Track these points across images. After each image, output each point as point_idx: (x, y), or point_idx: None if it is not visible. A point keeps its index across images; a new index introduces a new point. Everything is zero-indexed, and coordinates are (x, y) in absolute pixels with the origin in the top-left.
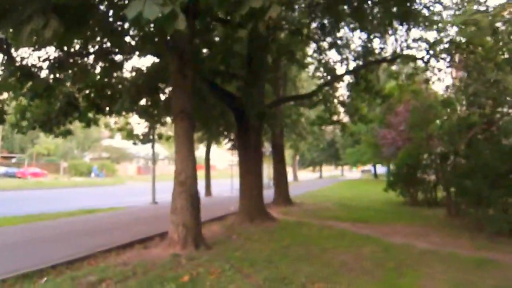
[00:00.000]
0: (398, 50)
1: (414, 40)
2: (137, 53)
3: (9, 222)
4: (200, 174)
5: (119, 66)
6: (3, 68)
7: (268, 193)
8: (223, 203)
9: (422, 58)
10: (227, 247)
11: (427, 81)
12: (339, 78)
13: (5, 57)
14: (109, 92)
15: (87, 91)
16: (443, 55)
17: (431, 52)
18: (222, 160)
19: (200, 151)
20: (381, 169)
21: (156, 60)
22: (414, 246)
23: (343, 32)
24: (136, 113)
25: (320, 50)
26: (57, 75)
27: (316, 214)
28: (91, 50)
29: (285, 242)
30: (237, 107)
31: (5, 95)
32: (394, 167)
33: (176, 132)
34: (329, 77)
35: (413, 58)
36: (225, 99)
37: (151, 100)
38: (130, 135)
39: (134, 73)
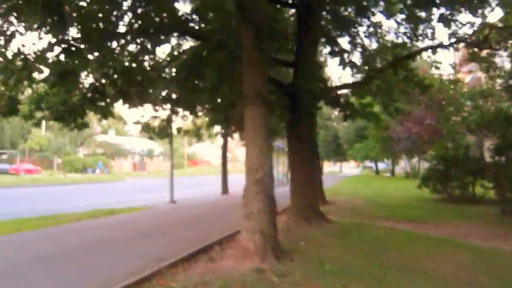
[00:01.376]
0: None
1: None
2: (175, 34)
3: (26, 226)
4: (195, 170)
5: (152, 49)
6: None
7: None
8: None
9: (475, 43)
10: (309, 258)
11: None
12: (388, 67)
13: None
14: (139, 78)
15: (115, 77)
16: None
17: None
18: (214, 156)
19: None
20: (381, 165)
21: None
22: (506, 250)
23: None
24: (169, 102)
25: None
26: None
27: (360, 213)
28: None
29: (363, 248)
30: (289, 91)
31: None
32: (429, 161)
33: (249, 120)
34: (366, 67)
35: (466, 42)
36: (275, 84)
37: (192, 88)
38: (146, 128)
39: (169, 58)
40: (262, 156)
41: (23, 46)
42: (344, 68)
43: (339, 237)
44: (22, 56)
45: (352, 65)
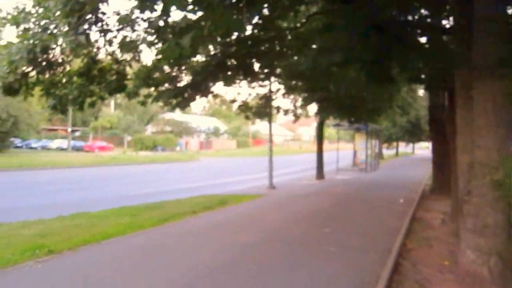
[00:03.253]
0: None
1: None
2: None
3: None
4: (262, 150)
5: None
6: None
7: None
8: (366, 191)
9: None
10: None
11: None
12: None
13: None
14: (263, 48)
15: (236, 47)
16: None
17: None
18: (277, 135)
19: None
20: None
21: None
22: None
23: None
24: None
25: None
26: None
27: None
28: None
29: None
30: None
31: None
32: None
33: (483, 100)
34: None
35: None
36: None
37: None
38: (245, 107)
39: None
40: (504, 149)
41: None
42: None
43: None
44: None
45: None
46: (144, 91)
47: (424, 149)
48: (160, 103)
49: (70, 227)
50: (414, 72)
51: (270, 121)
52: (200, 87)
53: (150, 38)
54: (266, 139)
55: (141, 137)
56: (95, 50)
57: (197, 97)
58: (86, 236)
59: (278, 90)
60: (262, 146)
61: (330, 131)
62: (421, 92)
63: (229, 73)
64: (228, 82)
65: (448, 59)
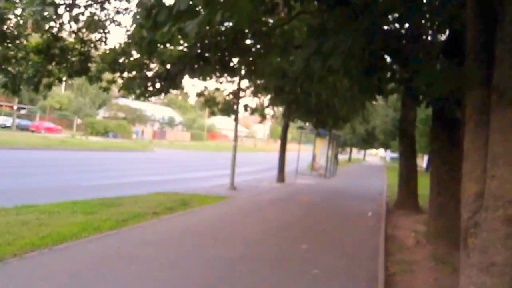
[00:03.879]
0: None
1: None
2: None
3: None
4: (218, 145)
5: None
6: None
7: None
8: (333, 201)
9: None
10: None
11: None
12: None
13: None
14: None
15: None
16: None
17: None
18: (230, 130)
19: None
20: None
21: None
22: None
23: None
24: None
25: None
26: None
27: None
28: None
29: None
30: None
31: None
32: None
33: (505, 126)
34: None
35: None
36: None
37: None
38: (211, 102)
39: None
40: None
41: None
42: None
43: None
44: None
45: None
46: (106, 76)
47: (373, 156)
48: (123, 91)
49: (15, 225)
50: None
51: (236, 119)
52: (175, 78)
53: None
54: (221, 133)
55: (92, 121)
56: (57, 26)
57: (170, 89)
58: (34, 238)
59: (248, 87)
60: (217, 141)
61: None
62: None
63: (208, 67)
64: (205, 76)
65: (459, 79)
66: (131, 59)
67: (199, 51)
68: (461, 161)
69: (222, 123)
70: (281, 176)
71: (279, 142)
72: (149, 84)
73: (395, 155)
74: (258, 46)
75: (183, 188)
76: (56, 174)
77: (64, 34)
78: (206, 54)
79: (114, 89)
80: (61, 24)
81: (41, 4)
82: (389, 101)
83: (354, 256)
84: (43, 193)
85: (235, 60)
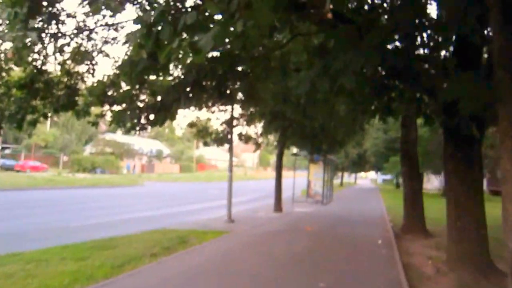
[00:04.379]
0: None
1: None
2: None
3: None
4: (208, 175)
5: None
6: None
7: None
8: (337, 229)
9: None
10: None
11: None
12: None
13: None
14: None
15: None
16: None
17: None
18: (220, 160)
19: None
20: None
21: None
22: None
23: None
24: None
25: None
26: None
27: None
28: None
29: None
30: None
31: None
32: None
33: None
34: None
35: None
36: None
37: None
38: (203, 132)
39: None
40: None
41: None
42: None
43: None
44: None
45: None
46: (94, 110)
47: (363, 178)
48: (114, 125)
49: None
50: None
51: (231, 149)
52: (170, 108)
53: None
54: (211, 163)
55: (78, 157)
56: (41, 57)
57: (165, 120)
58: None
59: (241, 115)
60: (206, 171)
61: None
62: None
63: (204, 95)
64: (201, 104)
65: (489, 92)
66: (121, 91)
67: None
68: (481, 181)
69: (211, 153)
70: (278, 205)
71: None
72: (142, 116)
73: (387, 177)
74: (256, 70)
75: (178, 223)
76: (43, 215)
77: (48, 67)
78: (203, 82)
79: (101, 124)
80: (45, 56)
81: (23, 29)
82: (378, 123)
83: None
84: (30, 236)
85: (232, 85)
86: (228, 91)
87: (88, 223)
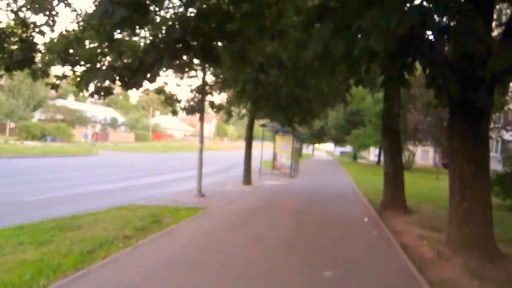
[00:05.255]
0: None
1: None
2: None
3: None
4: (165, 145)
5: None
6: None
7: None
8: (317, 205)
9: None
10: None
11: None
12: None
13: None
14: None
15: (198, 23)
16: None
17: None
18: (176, 129)
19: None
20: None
21: None
22: None
23: None
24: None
25: None
26: None
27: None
28: None
29: None
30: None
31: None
32: None
33: None
34: None
35: None
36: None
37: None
38: (171, 100)
39: None
40: None
41: None
42: None
43: None
44: None
45: None
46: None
47: (320, 150)
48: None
49: None
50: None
51: (202, 118)
52: (149, 69)
53: None
54: (167, 133)
55: (27, 124)
56: None
57: (143, 82)
58: None
59: (216, 82)
60: (163, 141)
61: (229, 128)
62: None
63: (188, 54)
64: (183, 67)
65: None
66: (87, 47)
67: (179, 36)
68: (488, 159)
69: (167, 122)
70: (247, 178)
71: (225, 140)
72: (115, 77)
73: (345, 149)
74: (249, 30)
75: (144, 197)
76: None
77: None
78: (188, 40)
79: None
80: None
81: None
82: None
83: (393, 283)
84: None
85: (221, 46)
86: (214, 53)
87: (43, 197)
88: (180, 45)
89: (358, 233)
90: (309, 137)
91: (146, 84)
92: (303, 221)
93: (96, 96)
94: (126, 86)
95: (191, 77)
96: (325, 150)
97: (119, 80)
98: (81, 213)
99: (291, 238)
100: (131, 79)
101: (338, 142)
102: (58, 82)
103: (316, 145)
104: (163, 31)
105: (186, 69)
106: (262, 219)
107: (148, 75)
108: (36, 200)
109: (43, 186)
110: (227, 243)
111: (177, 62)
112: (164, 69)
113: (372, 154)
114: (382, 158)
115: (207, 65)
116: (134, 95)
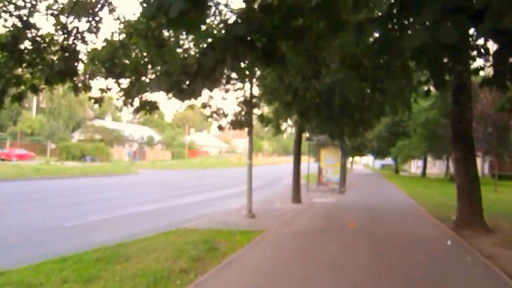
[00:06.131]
0: None
1: None
2: None
3: None
4: (202, 162)
5: None
6: None
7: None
8: (383, 224)
9: None
10: None
11: None
12: None
13: None
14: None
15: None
16: None
17: None
18: (211, 146)
19: (180, 134)
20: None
21: None
22: None
23: None
24: None
25: None
26: None
27: None
28: None
29: None
30: None
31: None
32: None
33: None
34: None
35: None
36: None
37: None
38: (216, 115)
39: None
40: None
41: None
42: None
43: None
44: None
45: None
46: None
47: (357, 164)
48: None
49: None
50: None
51: (250, 132)
52: (210, 73)
53: None
54: (202, 150)
55: (67, 145)
56: (28, 5)
57: (202, 89)
58: None
59: (262, 94)
60: (199, 158)
61: (264, 143)
62: None
63: (253, 55)
64: (243, 72)
65: None
66: (133, 56)
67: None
68: None
69: (202, 139)
70: (296, 196)
71: (259, 155)
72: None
73: (386, 162)
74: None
75: (191, 218)
76: (32, 211)
77: (37, 20)
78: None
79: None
80: (33, 5)
81: None
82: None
83: None
84: (16, 241)
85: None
86: (279, 53)
87: (85, 221)
88: (245, 45)
89: (449, 259)
90: (349, 150)
91: (203, 92)
92: (376, 243)
93: (141, 112)
94: (182, 95)
95: (236, 89)
96: (361, 163)
97: (175, 87)
98: (127, 239)
99: (374, 267)
100: (189, 86)
101: (379, 154)
102: (102, 94)
103: (356, 159)
104: (222, 31)
105: (248, 72)
106: (330, 243)
107: (207, 82)
108: (78, 225)
109: (85, 208)
110: (303, 275)
111: (241, 64)
112: (230, 70)
113: (414, 166)
114: (428, 170)
115: (256, 75)
116: (169, 113)
